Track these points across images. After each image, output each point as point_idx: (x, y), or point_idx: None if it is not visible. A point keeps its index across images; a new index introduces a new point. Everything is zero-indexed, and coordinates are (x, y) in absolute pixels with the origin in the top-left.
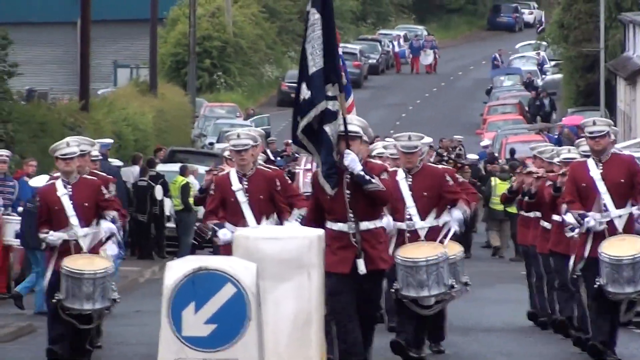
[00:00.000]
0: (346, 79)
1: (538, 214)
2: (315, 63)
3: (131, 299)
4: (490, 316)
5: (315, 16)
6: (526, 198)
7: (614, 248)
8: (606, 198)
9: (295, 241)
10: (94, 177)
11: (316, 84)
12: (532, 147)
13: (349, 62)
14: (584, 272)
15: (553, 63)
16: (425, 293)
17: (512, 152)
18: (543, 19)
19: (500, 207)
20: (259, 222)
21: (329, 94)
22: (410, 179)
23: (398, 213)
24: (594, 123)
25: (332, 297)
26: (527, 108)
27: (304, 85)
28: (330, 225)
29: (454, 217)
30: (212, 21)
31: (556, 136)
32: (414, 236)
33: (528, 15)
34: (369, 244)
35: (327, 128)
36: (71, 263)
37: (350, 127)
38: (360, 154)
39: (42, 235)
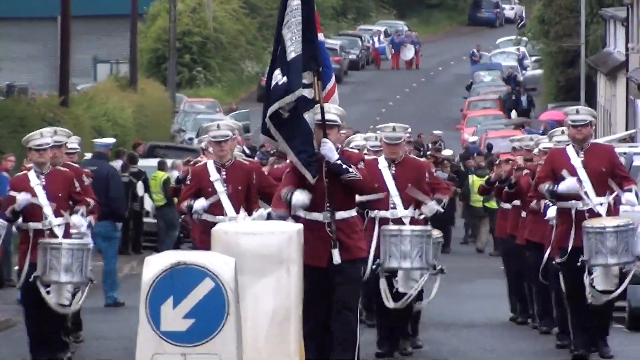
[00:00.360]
0: (327, 65)
1: (517, 203)
2: (295, 49)
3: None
4: (470, 312)
5: (295, 2)
6: (506, 188)
7: (598, 222)
8: (587, 186)
9: (274, 236)
10: (66, 169)
11: (294, 70)
12: (511, 139)
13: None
14: (566, 263)
15: (533, 58)
16: (407, 265)
17: (490, 147)
18: (524, 15)
19: (480, 204)
20: (237, 212)
21: (305, 81)
22: (394, 169)
23: (381, 202)
24: (577, 112)
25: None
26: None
27: (277, 71)
28: (304, 214)
29: (429, 206)
30: (193, 16)
31: (541, 132)
32: (398, 224)
33: (509, 11)
34: (344, 234)
35: (306, 116)
36: (50, 239)
37: (327, 116)
38: (337, 142)
39: (8, 210)
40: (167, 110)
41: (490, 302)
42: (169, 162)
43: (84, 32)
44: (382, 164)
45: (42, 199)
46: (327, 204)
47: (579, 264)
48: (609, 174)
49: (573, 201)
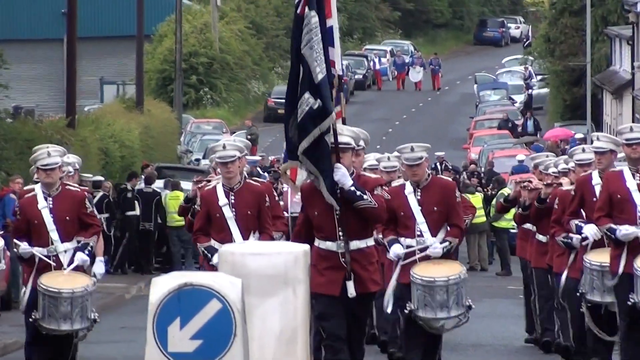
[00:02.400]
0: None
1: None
2: (322, 69)
3: (117, 316)
4: (478, 331)
5: (314, 19)
6: (519, 210)
7: None
8: None
9: (280, 257)
10: (78, 189)
11: (325, 91)
12: (532, 157)
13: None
14: (616, 289)
15: (539, 77)
16: (444, 315)
17: (491, 165)
18: (529, 34)
19: (477, 220)
20: (245, 238)
21: None
22: (419, 194)
23: (407, 230)
24: (631, 129)
25: (322, 320)
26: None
27: (307, 95)
28: (318, 243)
29: (434, 248)
30: (199, 37)
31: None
32: (425, 255)
33: (514, 30)
34: (359, 265)
35: (327, 138)
36: (49, 281)
37: (340, 139)
38: (351, 166)
39: (15, 244)
40: (174, 131)
41: (498, 321)
42: (182, 183)
43: (91, 54)
44: (408, 189)
45: (48, 223)
46: (340, 233)
47: (630, 302)
48: None
49: (627, 226)
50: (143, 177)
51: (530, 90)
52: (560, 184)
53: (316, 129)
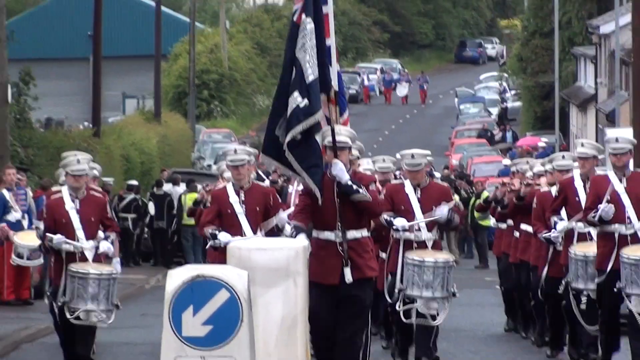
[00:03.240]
0: (343, 95)
1: (511, 223)
2: (313, 72)
3: (137, 304)
4: (458, 317)
5: (309, 26)
6: (499, 208)
7: (635, 251)
8: (630, 211)
9: (282, 252)
10: (100, 194)
11: (314, 92)
12: (510, 163)
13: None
14: (604, 284)
15: (513, 92)
16: (429, 294)
17: (461, 167)
18: (504, 53)
19: None
20: (254, 232)
21: None
22: (419, 193)
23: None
24: (617, 140)
25: (312, 317)
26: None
27: (296, 94)
28: (317, 234)
29: (442, 210)
30: (210, 57)
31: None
32: (422, 246)
33: (491, 50)
34: (355, 253)
35: (317, 137)
36: (78, 266)
37: (338, 138)
38: (348, 164)
39: (47, 239)
40: (188, 140)
41: (476, 309)
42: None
43: (114, 71)
44: (409, 188)
45: (75, 222)
46: (339, 224)
47: (615, 289)
48: None
49: (617, 225)
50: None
51: (505, 104)
52: (539, 184)
53: (299, 125)
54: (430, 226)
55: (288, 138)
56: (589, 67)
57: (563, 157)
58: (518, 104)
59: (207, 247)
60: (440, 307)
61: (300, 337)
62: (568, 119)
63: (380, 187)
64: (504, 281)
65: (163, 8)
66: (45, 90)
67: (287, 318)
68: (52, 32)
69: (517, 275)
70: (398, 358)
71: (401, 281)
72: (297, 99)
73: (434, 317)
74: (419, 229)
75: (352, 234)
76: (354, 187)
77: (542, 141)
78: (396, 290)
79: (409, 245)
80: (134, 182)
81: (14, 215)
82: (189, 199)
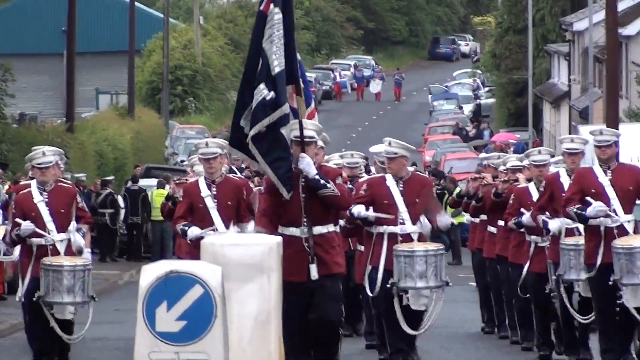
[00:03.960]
0: (307, 87)
1: (484, 217)
2: (279, 63)
3: (111, 299)
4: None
5: (277, 16)
6: (473, 202)
7: (626, 241)
8: (615, 204)
9: (256, 247)
10: (69, 185)
11: (280, 84)
12: (480, 157)
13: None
14: (595, 279)
15: (487, 89)
16: (423, 284)
17: (436, 164)
18: (478, 50)
19: None
20: (227, 226)
21: None
22: (402, 185)
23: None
24: (601, 133)
25: (286, 317)
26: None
27: (262, 86)
28: (282, 230)
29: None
30: (184, 52)
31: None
32: (406, 239)
33: (464, 47)
34: (322, 249)
35: (283, 131)
36: (51, 259)
37: (305, 132)
38: (314, 158)
39: (14, 231)
40: (162, 135)
41: (448, 305)
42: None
43: (87, 66)
44: (390, 181)
45: (45, 215)
46: (305, 219)
47: (610, 282)
48: (636, 192)
49: (602, 218)
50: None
51: (478, 100)
52: (517, 180)
53: (266, 118)
54: (414, 219)
55: (253, 132)
56: (563, 64)
57: (539, 152)
58: (491, 100)
59: (186, 247)
60: (430, 302)
61: (274, 332)
62: (541, 116)
63: (348, 182)
64: (479, 278)
65: (137, 4)
66: (19, 85)
67: (261, 314)
68: (26, 28)
69: (494, 270)
70: (383, 353)
71: (391, 275)
72: (263, 92)
73: (419, 318)
74: (403, 223)
75: (318, 229)
76: (322, 181)
77: (511, 141)
78: (388, 286)
79: (393, 238)
80: (109, 178)
81: None
82: (157, 195)
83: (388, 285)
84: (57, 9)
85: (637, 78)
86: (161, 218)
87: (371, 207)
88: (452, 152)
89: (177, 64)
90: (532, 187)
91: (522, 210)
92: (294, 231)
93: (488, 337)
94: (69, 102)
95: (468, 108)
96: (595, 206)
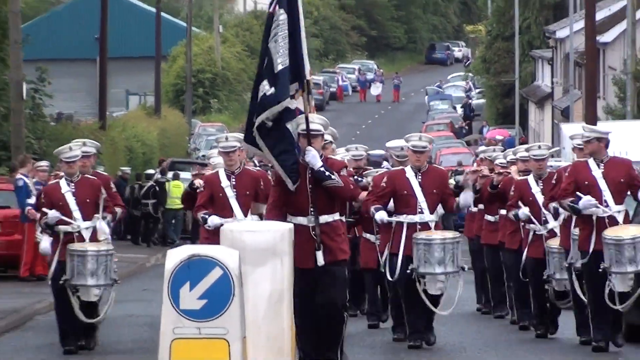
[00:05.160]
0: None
1: (482, 207)
2: (282, 61)
3: (139, 280)
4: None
5: (282, 17)
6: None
7: (616, 232)
8: (607, 195)
9: (270, 233)
10: (95, 177)
11: (282, 81)
12: (477, 151)
13: (314, 91)
14: (587, 265)
15: (477, 90)
16: (441, 270)
17: (430, 158)
18: (470, 55)
19: None
20: (245, 215)
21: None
22: (420, 177)
23: (409, 207)
24: (583, 129)
25: (294, 293)
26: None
27: (265, 82)
28: (290, 218)
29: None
30: (205, 58)
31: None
32: (425, 228)
33: (458, 52)
34: (328, 237)
35: (289, 126)
36: (76, 245)
37: (312, 126)
38: (321, 151)
39: (42, 220)
40: (185, 132)
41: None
42: (182, 174)
43: (118, 70)
44: (410, 173)
45: (71, 204)
46: (311, 209)
47: (600, 270)
48: (627, 184)
49: (594, 209)
50: (158, 169)
51: (470, 101)
52: (509, 173)
53: (265, 112)
54: (432, 208)
55: (257, 122)
56: (546, 68)
57: (539, 147)
58: (482, 101)
59: (206, 233)
60: (445, 287)
61: (286, 311)
62: (527, 115)
63: (353, 173)
64: (477, 263)
65: (163, 14)
66: (56, 87)
67: (274, 294)
68: (63, 35)
69: (492, 255)
70: (403, 336)
71: (411, 261)
72: (265, 87)
73: (436, 301)
74: (422, 212)
75: (324, 218)
76: (327, 173)
77: (498, 137)
78: (408, 271)
79: (412, 226)
80: (152, 171)
81: (32, 199)
82: (173, 186)
83: (408, 271)
84: (90, 19)
85: (613, 80)
86: (176, 206)
87: (383, 211)
88: (446, 148)
89: (199, 68)
90: (531, 179)
91: (520, 204)
92: (301, 220)
93: (484, 316)
94: (101, 102)
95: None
96: (585, 200)
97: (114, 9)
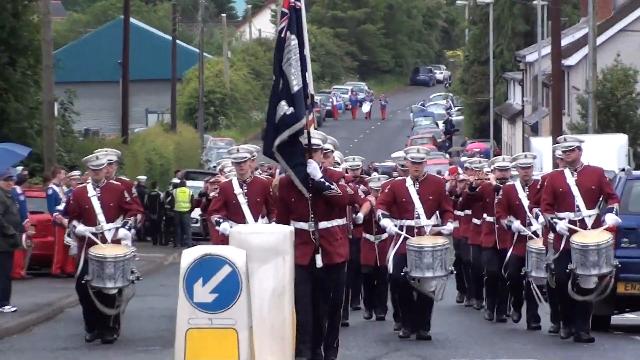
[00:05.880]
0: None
1: (469, 212)
2: (297, 83)
3: (158, 277)
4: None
5: (293, 42)
6: (453, 197)
7: (582, 238)
8: (579, 201)
9: (274, 235)
10: (119, 183)
11: (299, 100)
12: (463, 161)
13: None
14: (557, 261)
15: (457, 108)
16: (430, 274)
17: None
18: (450, 77)
19: None
20: (256, 220)
21: None
22: (418, 186)
23: (408, 213)
24: (565, 140)
25: (295, 287)
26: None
27: (283, 102)
28: (293, 224)
29: (447, 227)
30: (215, 80)
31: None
32: (421, 232)
33: (439, 75)
34: (326, 241)
35: (301, 139)
36: (97, 250)
37: (312, 140)
38: (320, 162)
39: (72, 225)
40: (198, 146)
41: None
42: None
43: (139, 91)
44: (409, 182)
45: (96, 207)
46: (312, 215)
47: (567, 270)
48: (598, 190)
49: (567, 212)
50: (176, 178)
51: (450, 117)
52: (489, 179)
53: (287, 130)
54: (429, 214)
55: (277, 142)
56: (517, 88)
57: (525, 156)
58: (461, 117)
59: (218, 237)
60: (438, 285)
61: (288, 303)
62: (501, 130)
63: (352, 182)
64: (461, 260)
65: (178, 41)
66: (84, 106)
67: (277, 288)
68: (90, 60)
69: (475, 254)
70: (400, 326)
71: (406, 264)
72: (284, 107)
73: (429, 298)
74: (419, 217)
75: (323, 224)
76: (326, 183)
77: (475, 149)
78: (402, 274)
79: (410, 230)
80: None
81: (62, 205)
82: (179, 192)
83: (402, 273)
84: (114, 46)
85: (577, 99)
86: (183, 210)
87: (388, 219)
88: (429, 159)
89: (210, 89)
90: (518, 185)
91: (512, 218)
92: (302, 225)
93: (465, 310)
94: (124, 119)
95: (441, 124)
96: (560, 227)
97: (134, 37)
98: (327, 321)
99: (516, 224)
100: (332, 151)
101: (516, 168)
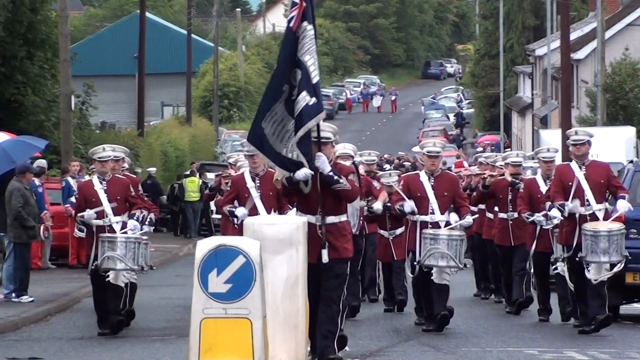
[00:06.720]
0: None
1: (482, 207)
2: (317, 74)
3: (173, 267)
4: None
5: (311, 31)
6: (467, 191)
7: (594, 225)
8: (589, 195)
9: (287, 226)
10: (124, 177)
11: (319, 92)
12: (477, 156)
13: (325, 102)
14: (571, 256)
15: (467, 101)
16: (444, 263)
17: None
18: (460, 70)
19: None
20: (269, 212)
21: None
22: (433, 181)
23: (422, 208)
24: (576, 133)
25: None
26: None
27: (304, 93)
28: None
29: (467, 220)
30: (230, 73)
31: (479, 149)
32: (435, 227)
33: (450, 68)
34: (333, 236)
35: (311, 132)
36: (107, 234)
37: (322, 134)
38: (330, 155)
39: (79, 215)
40: (212, 139)
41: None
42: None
43: (154, 85)
44: (423, 177)
45: (103, 200)
46: (320, 209)
47: (577, 259)
48: (606, 184)
49: (578, 208)
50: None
51: (461, 110)
52: (503, 174)
53: (311, 121)
54: (443, 209)
55: (301, 133)
56: (527, 81)
57: (548, 150)
58: (471, 110)
59: (229, 228)
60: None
61: (301, 293)
62: (510, 123)
63: (366, 176)
64: (478, 256)
65: (193, 35)
66: (100, 100)
67: (291, 278)
68: (106, 54)
69: (492, 248)
70: (420, 316)
71: (420, 255)
72: (306, 98)
73: (445, 290)
74: (433, 212)
75: (331, 219)
76: (335, 177)
77: (486, 142)
78: (415, 264)
79: (424, 225)
80: (152, 169)
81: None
82: (189, 182)
83: (415, 263)
84: (130, 40)
85: (585, 92)
86: (192, 200)
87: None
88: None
89: (224, 83)
90: (539, 178)
91: (536, 214)
92: (310, 218)
93: (480, 301)
94: (140, 112)
95: (452, 116)
96: (570, 206)
97: (150, 31)
98: (325, 315)
99: (537, 217)
100: (335, 141)
101: (538, 162)
